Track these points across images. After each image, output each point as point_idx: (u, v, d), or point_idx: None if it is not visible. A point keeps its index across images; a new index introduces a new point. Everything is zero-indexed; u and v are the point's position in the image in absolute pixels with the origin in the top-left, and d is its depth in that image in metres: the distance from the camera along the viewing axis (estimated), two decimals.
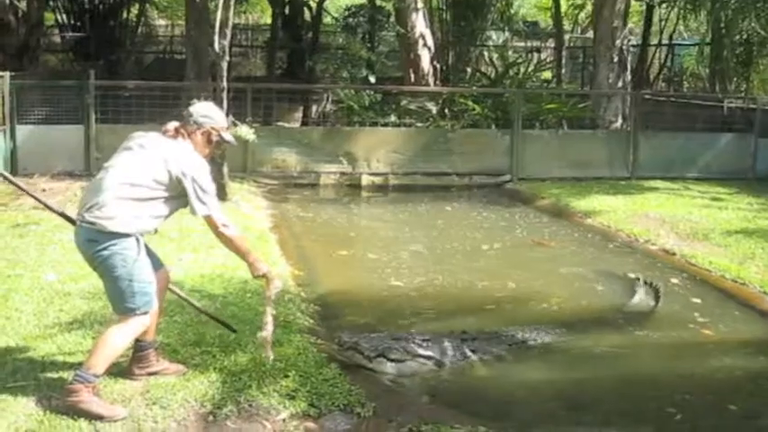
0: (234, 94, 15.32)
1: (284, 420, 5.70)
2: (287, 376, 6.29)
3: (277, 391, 6.02)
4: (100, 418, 5.38)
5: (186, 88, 18.86)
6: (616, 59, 20.80)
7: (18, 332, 6.98)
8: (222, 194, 13.86)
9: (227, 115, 13.84)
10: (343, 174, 17.75)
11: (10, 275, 8.62)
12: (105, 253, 5.45)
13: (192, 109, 5.96)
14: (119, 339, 5.61)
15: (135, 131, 5.90)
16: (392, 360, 6.77)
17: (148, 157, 5.60)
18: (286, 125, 20.72)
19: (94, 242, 5.46)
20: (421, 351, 6.88)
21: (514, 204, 16.07)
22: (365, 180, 17.69)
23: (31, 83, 17.68)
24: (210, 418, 5.65)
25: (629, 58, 22.38)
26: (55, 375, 5.85)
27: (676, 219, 13.32)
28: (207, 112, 5.97)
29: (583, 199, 15.44)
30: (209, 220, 5.71)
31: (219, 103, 13.47)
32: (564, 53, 28.06)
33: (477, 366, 7.12)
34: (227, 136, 6.03)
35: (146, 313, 5.65)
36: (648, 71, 28.04)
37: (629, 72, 21.70)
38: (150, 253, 5.88)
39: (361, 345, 6.76)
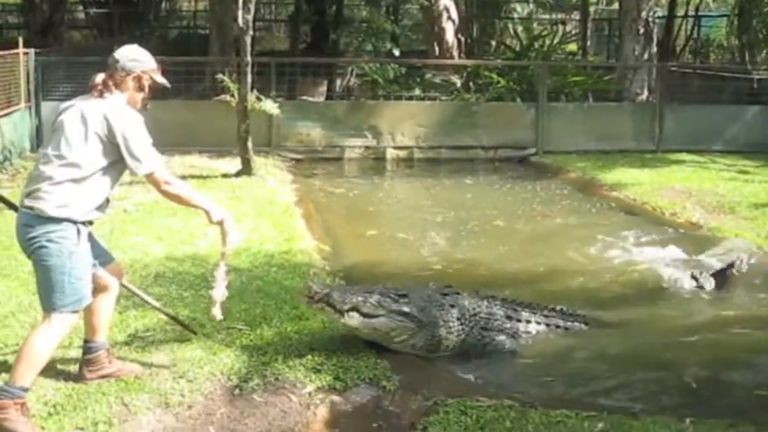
0: (258, 69, 15.32)
1: (310, 394, 5.72)
2: (312, 350, 6.31)
3: (303, 365, 6.04)
4: None
5: (210, 63, 18.96)
6: (642, 31, 20.61)
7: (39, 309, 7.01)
8: (247, 169, 13.92)
9: (252, 90, 13.92)
10: (367, 148, 17.74)
11: None
12: (41, 239, 5.06)
13: (117, 55, 5.40)
14: (43, 345, 5.14)
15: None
16: (365, 315, 6.34)
17: (77, 131, 5.16)
18: (310, 99, 20.69)
19: (30, 227, 5.08)
20: (395, 307, 6.43)
21: (540, 178, 15.99)
22: (390, 154, 17.68)
23: (55, 59, 17.73)
24: (237, 391, 5.68)
25: (655, 30, 22.17)
26: (79, 349, 5.87)
27: (702, 192, 13.24)
28: (135, 56, 5.44)
29: (609, 172, 15.37)
30: (150, 178, 5.28)
31: (244, 78, 13.52)
32: (589, 25, 27.93)
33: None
34: (160, 78, 5.55)
35: (74, 312, 5.22)
36: (675, 43, 27.81)
37: (654, 44, 21.51)
38: (97, 248, 5.57)
39: (333, 297, 6.28)
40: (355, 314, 6.32)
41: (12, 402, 4.98)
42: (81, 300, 5.21)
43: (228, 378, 5.83)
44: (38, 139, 15.94)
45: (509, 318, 7.03)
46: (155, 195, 8.06)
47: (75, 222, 5.10)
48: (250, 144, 14.04)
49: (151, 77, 5.48)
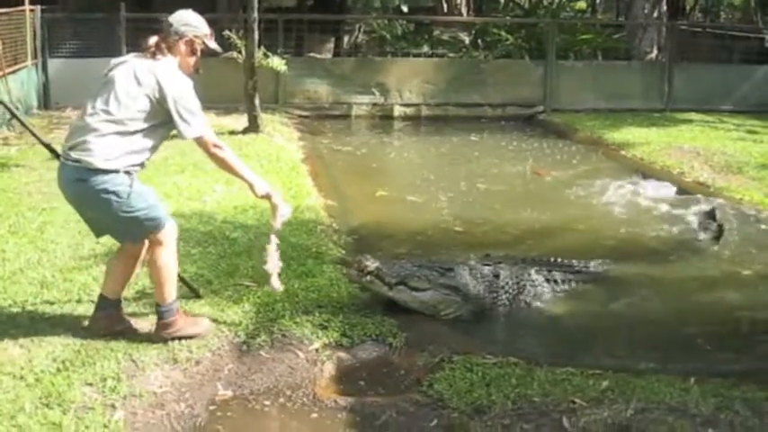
0: (265, 26, 15.22)
1: (317, 350, 5.76)
2: (320, 307, 6.36)
3: (310, 322, 6.08)
4: (194, 336, 5.65)
5: (217, 20, 18.81)
6: None
7: (54, 264, 7.06)
8: (255, 126, 13.89)
9: (259, 47, 13.85)
10: (375, 105, 17.68)
11: (45, 208, 8.66)
12: (98, 189, 5.20)
13: (170, 19, 5.52)
14: (164, 260, 5.51)
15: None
16: (413, 289, 6.46)
17: (127, 89, 5.27)
18: (318, 56, 20.61)
19: (83, 181, 5.20)
20: (442, 280, 6.54)
21: (547, 136, 15.97)
22: (397, 111, 17.63)
23: (62, 16, 17.60)
24: (244, 347, 5.73)
25: None
26: (91, 306, 5.91)
27: (710, 151, 13.20)
28: (188, 20, 5.55)
29: (617, 131, 15.32)
30: (199, 141, 5.45)
31: (251, 35, 13.45)
32: None
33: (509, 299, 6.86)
34: (212, 44, 5.66)
35: (162, 228, 5.47)
36: (685, 1, 27.56)
37: (664, 2, 21.32)
38: None
39: (382, 271, 6.42)
40: (403, 288, 6.46)
41: (176, 318, 5.60)
42: (160, 218, 5.48)
43: (236, 334, 5.87)
44: (45, 97, 15.92)
45: (547, 281, 7.18)
46: (163, 152, 8.05)
47: (123, 171, 5.25)
48: (257, 101, 13.99)
49: (203, 42, 5.59)
